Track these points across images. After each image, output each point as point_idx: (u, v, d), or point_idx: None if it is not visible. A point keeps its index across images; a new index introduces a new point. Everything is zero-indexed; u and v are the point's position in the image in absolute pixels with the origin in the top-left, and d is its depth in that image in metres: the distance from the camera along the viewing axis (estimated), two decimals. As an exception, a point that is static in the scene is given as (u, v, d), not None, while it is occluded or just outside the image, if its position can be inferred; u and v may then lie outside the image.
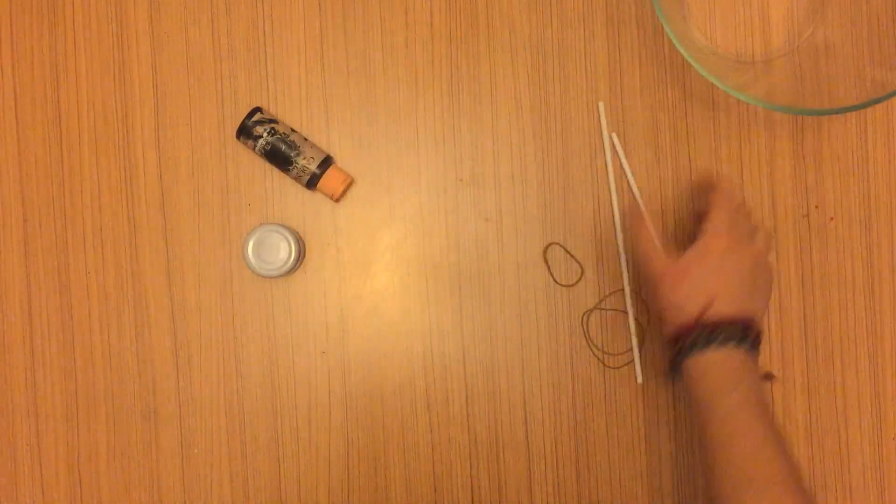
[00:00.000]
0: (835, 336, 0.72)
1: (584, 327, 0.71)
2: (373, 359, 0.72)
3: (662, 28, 0.72)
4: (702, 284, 0.62)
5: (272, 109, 0.72)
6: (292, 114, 0.72)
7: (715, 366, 0.60)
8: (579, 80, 0.72)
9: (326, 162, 0.70)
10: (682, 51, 0.63)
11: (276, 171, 0.72)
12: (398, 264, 0.72)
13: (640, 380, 0.71)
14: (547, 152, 0.72)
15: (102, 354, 0.72)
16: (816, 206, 0.72)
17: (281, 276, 0.70)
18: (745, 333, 0.60)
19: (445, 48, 0.73)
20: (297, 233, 0.72)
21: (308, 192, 0.72)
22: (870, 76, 0.69)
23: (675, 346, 0.62)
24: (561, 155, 0.72)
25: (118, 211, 0.73)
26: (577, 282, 0.72)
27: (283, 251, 0.69)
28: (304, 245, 0.72)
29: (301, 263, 0.72)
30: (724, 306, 0.61)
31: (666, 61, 0.72)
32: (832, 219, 0.72)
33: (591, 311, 0.71)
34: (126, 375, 0.72)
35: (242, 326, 0.72)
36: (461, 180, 0.72)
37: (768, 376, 0.68)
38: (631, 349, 0.71)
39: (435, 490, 0.72)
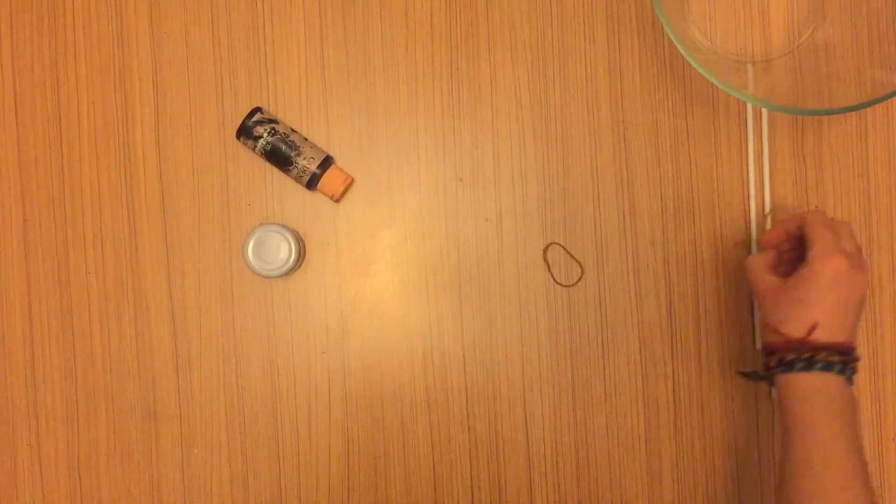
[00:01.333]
0: (835, 336, 0.72)
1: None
2: (373, 359, 0.72)
3: (662, 28, 0.72)
4: (807, 306, 0.60)
5: (272, 109, 0.72)
6: (292, 114, 0.72)
7: (817, 391, 0.59)
8: (579, 80, 0.72)
9: (326, 162, 0.70)
10: (682, 51, 0.63)
11: (276, 171, 0.72)
12: (398, 264, 0.72)
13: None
14: (547, 152, 0.72)
15: (102, 354, 0.72)
16: (816, 206, 0.72)
17: (281, 276, 0.70)
18: (845, 363, 0.60)
19: (445, 48, 0.73)
20: (297, 233, 0.72)
21: (308, 192, 0.72)
22: (870, 76, 0.69)
23: (773, 358, 0.62)
24: (561, 155, 0.72)
25: (118, 211, 0.73)
26: (578, 282, 0.72)
27: (283, 251, 0.69)
28: (304, 245, 0.72)
29: (301, 263, 0.72)
30: (828, 333, 0.60)
31: (666, 61, 0.72)
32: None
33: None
34: (126, 375, 0.72)
35: (242, 326, 0.72)
36: (461, 180, 0.72)
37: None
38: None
39: (435, 490, 0.72)
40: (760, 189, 0.72)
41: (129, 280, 0.72)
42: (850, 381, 0.60)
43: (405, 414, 0.72)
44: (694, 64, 0.63)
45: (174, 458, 0.72)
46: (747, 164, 0.72)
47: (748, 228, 0.72)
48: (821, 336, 0.60)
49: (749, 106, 0.72)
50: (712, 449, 0.72)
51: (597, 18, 0.72)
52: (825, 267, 0.60)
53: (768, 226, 0.71)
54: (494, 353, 0.72)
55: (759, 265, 0.65)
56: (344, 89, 0.73)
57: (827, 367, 0.59)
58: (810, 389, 0.60)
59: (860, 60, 0.70)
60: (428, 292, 0.72)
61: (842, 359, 0.60)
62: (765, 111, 0.72)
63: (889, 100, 0.66)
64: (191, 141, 0.73)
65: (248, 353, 0.72)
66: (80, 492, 0.72)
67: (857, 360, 0.61)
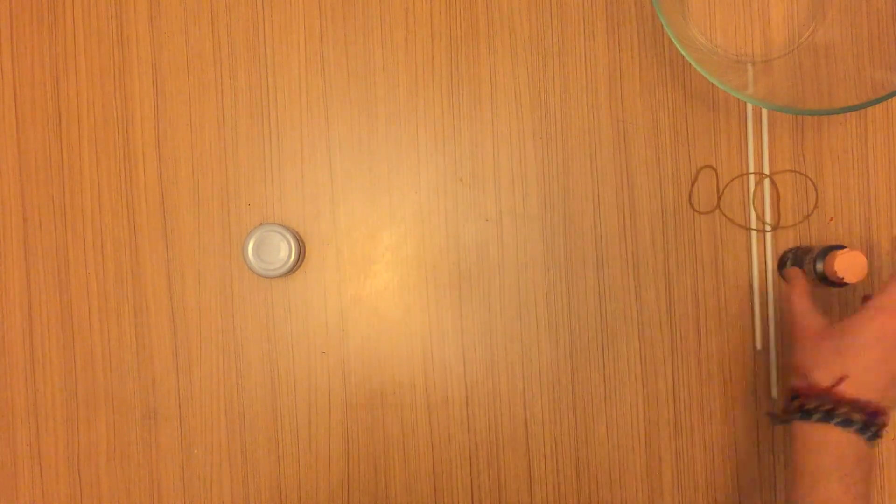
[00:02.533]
0: (835, 336, 0.72)
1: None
2: (373, 359, 0.72)
3: (662, 28, 0.72)
4: (842, 357, 0.58)
5: (272, 109, 0.72)
6: (292, 114, 0.72)
7: (829, 445, 0.57)
8: (579, 80, 0.72)
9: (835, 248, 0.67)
10: (682, 51, 0.63)
11: (275, 171, 0.72)
12: (398, 264, 0.72)
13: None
14: (547, 152, 0.72)
15: (102, 354, 0.72)
16: (816, 206, 0.72)
17: (281, 276, 0.70)
18: (868, 423, 0.57)
19: (445, 48, 0.73)
20: (297, 233, 0.72)
21: (308, 192, 0.72)
22: (870, 76, 0.69)
23: (794, 402, 0.60)
24: (561, 155, 0.72)
25: (118, 211, 0.73)
26: (578, 282, 0.72)
27: (283, 251, 0.69)
28: (304, 245, 0.72)
29: (301, 263, 0.72)
30: (857, 388, 0.57)
31: (666, 61, 0.72)
32: (832, 219, 0.72)
33: None
34: (126, 375, 0.72)
35: (242, 326, 0.72)
36: (461, 180, 0.72)
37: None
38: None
39: (435, 490, 0.72)
40: (760, 188, 0.72)
41: (129, 280, 0.72)
42: (871, 442, 0.57)
43: (405, 414, 0.72)
44: (694, 64, 0.63)
45: (174, 458, 0.72)
46: (747, 164, 0.72)
47: (748, 227, 0.72)
48: (848, 390, 0.57)
49: (749, 106, 0.72)
50: (712, 449, 0.72)
51: (597, 18, 0.72)
52: (877, 321, 0.58)
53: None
54: (494, 353, 0.72)
55: (807, 301, 0.63)
56: (344, 89, 0.73)
57: (846, 424, 0.56)
58: (824, 443, 0.57)
59: (860, 60, 0.70)
60: (428, 292, 0.72)
61: (864, 418, 0.56)
62: (765, 111, 0.72)
63: (889, 100, 0.66)
64: (191, 141, 0.73)
65: (248, 353, 0.72)
66: (80, 492, 0.72)
67: (883, 424, 0.57)
